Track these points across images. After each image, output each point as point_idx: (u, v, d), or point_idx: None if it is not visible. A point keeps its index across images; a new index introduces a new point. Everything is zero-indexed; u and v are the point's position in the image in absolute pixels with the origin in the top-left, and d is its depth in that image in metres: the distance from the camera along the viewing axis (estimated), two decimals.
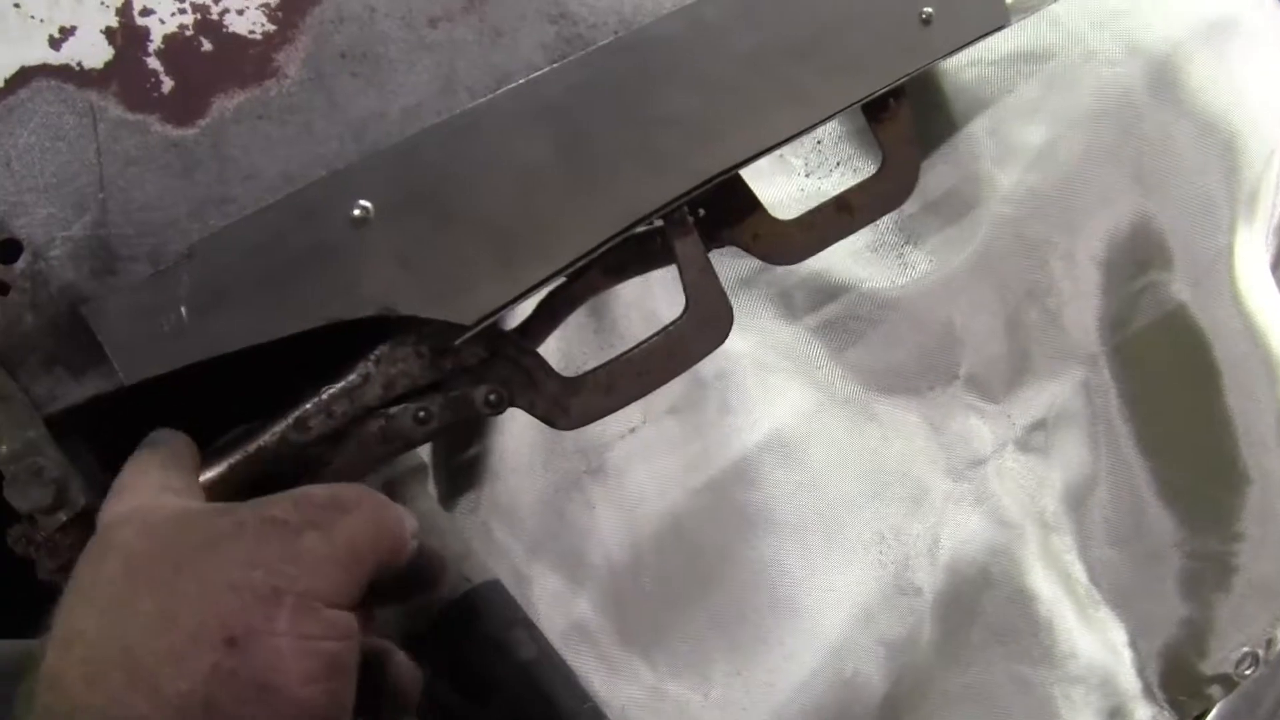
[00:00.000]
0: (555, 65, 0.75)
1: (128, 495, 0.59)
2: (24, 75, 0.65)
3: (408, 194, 0.69)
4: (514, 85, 0.74)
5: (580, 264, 0.76)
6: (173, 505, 0.57)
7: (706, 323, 0.83)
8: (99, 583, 0.52)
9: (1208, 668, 1.22)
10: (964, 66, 1.14)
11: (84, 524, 0.65)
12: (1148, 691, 1.22)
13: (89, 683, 0.49)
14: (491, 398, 0.78)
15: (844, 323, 1.10)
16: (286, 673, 0.49)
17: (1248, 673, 1.24)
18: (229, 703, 0.48)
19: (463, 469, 1.02)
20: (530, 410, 0.80)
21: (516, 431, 1.01)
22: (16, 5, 0.65)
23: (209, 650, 0.48)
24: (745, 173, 0.89)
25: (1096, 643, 1.18)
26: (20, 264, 0.64)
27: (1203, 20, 1.14)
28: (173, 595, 0.50)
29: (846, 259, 1.11)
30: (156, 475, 0.61)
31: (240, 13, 0.70)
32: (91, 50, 0.66)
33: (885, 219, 1.13)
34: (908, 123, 0.96)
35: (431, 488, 1.00)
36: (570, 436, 1.01)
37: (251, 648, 0.49)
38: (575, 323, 1.03)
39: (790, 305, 1.10)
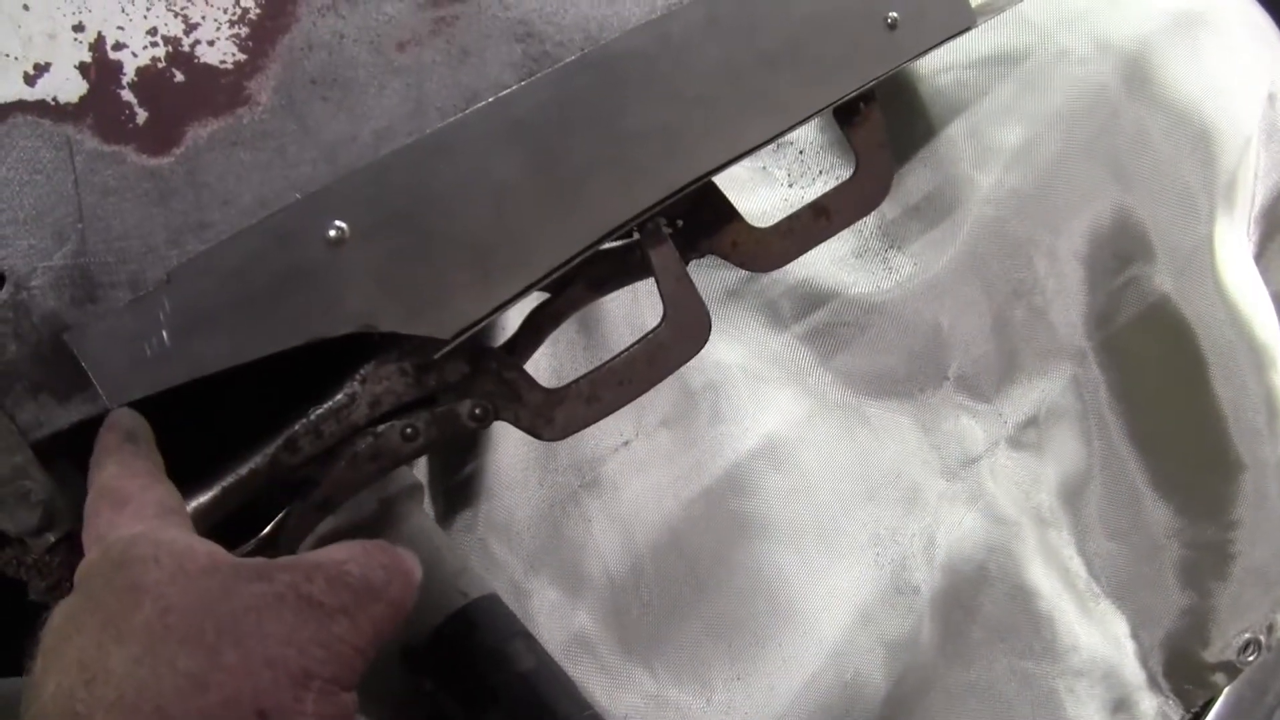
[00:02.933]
0: (523, 83, 0.76)
1: (130, 512, 0.60)
2: (1, 112, 0.66)
3: (382, 213, 0.71)
4: (483, 104, 0.75)
5: (556, 276, 0.77)
6: (202, 553, 0.57)
7: (685, 330, 0.84)
8: (134, 627, 0.52)
9: (1210, 656, 1.23)
10: (939, 71, 1.16)
11: (72, 545, 0.67)
12: (1152, 682, 1.22)
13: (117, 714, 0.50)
14: (476, 411, 0.79)
15: (832, 329, 1.11)
16: None
17: (1250, 659, 1.25)
18: None
19: (459, 488, 1.03)
20: (515, 423, 0.81)
21: (510, 449, 1.02)
22: None
23: None
24: (728, 185, 0.90)
25: (1098, 636, 1.19)
26: (2, 294, 0.65)
27: (1171, 14, 1.16)
28: (211, 661, 0.51)
29: (831, 266, 1.12)
30: (150, 486, 0.62)
31: (211, 43, 0.71)
32: (66, 85, 0.67)
33: (868, 224, 1.14)
34: (879, 126, 0.97)
35: (428, 506, 1.01)
36: (564, 452, 1.02)
37: None
38: (566, 339, 1.04)
39: (778, 314, 1.11)
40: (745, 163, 1.03)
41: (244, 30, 0.72)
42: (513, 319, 0.94)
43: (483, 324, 0.75)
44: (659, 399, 1.04)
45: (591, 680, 0.99)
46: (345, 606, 0.55)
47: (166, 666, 0.51)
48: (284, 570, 0.56)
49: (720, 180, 0.89)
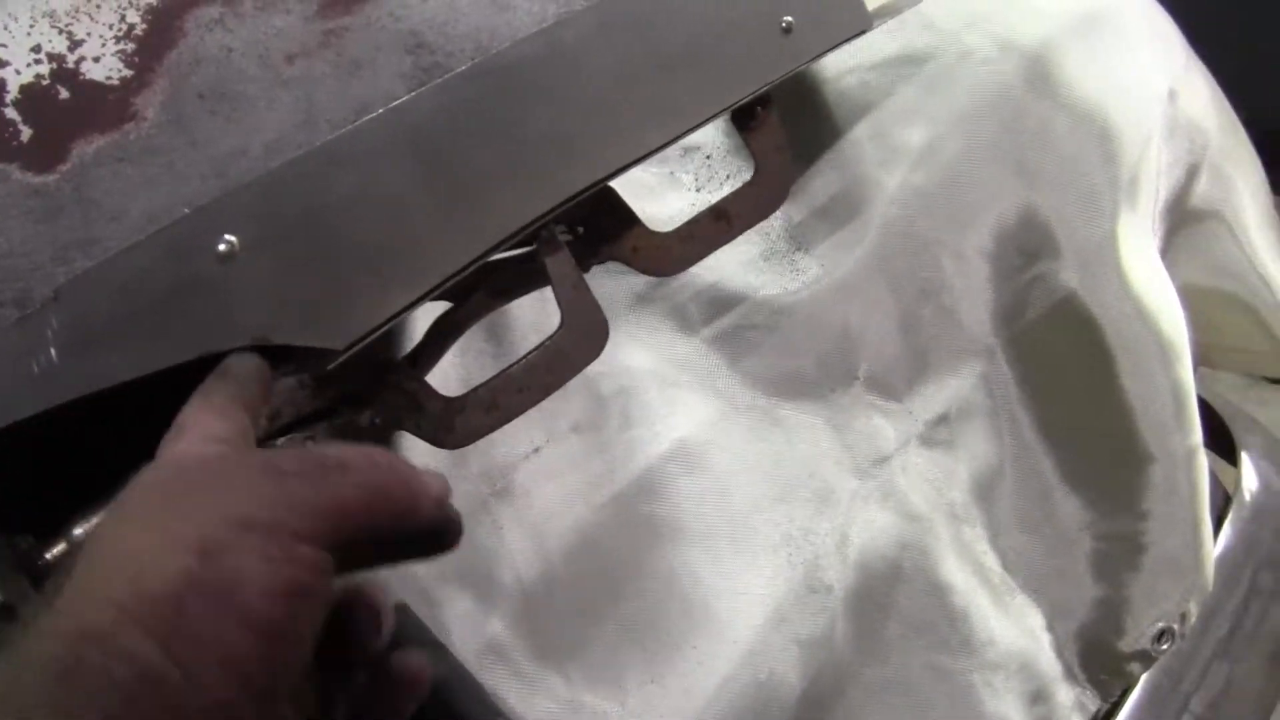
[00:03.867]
0: (414, 93, 0.77)
1: (183, 436, 0.62)
2: None
3: (273, 226, 0.70)
4: (374, 115, 0.75)
5: (454, 284, 0.78)
6: (204, 451, 0.60)
7: (583, 335, 0.85)
8: (121, 504, 0.57)
9: (1125, 646, 1.25)
10: (844, 74, 1.17)
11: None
12: (1068, 673, 1.24)
13: (86, 575, 0.54)
14: (376, 421, 0.79)
15: (741, 332, 1.12)
16: (248, 584, 0.53)
17: (1165, 648, 1.27)
18: (195, 604, 0.52)
19: None
20: (416, 432, 0.81)
21: (417, 462, 1.02)
22: None
23: (183, 557, 0.52)
24: (636, 191, 0.91)
25: (1014, 629, 1.20)
26: None
27: (1073, 14, 1.17)
28: (169, 513, 0.55)
29: (739, 269, 1.13)
30: (211, 421, 0.63)
31: (96, 60, 0.71)
32: None
33: (775, 227, 1.15)
34: (777, 130, 0.98)
35: None
36: (474, 461, 1.02)
37: (219, 559, 0.53)
38: (475, 348, 1.05)
39: (686, 318, 1.11)
40: (653, 168, 1.04)
41: (130, 46, 0.72)
42: (418, 329, 0.95)
43: (379, 333, 0.75)
44: (569, 405, 1.04)
45: (505, 688, 0.99)
46: (307, 472, 0.58)
47: (134, 521, 0.56)
48: (262, 450, 0.62)
49: (627, 186, 0.89)
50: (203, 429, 0.62)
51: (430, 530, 0.64)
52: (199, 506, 0.55)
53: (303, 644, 0.56)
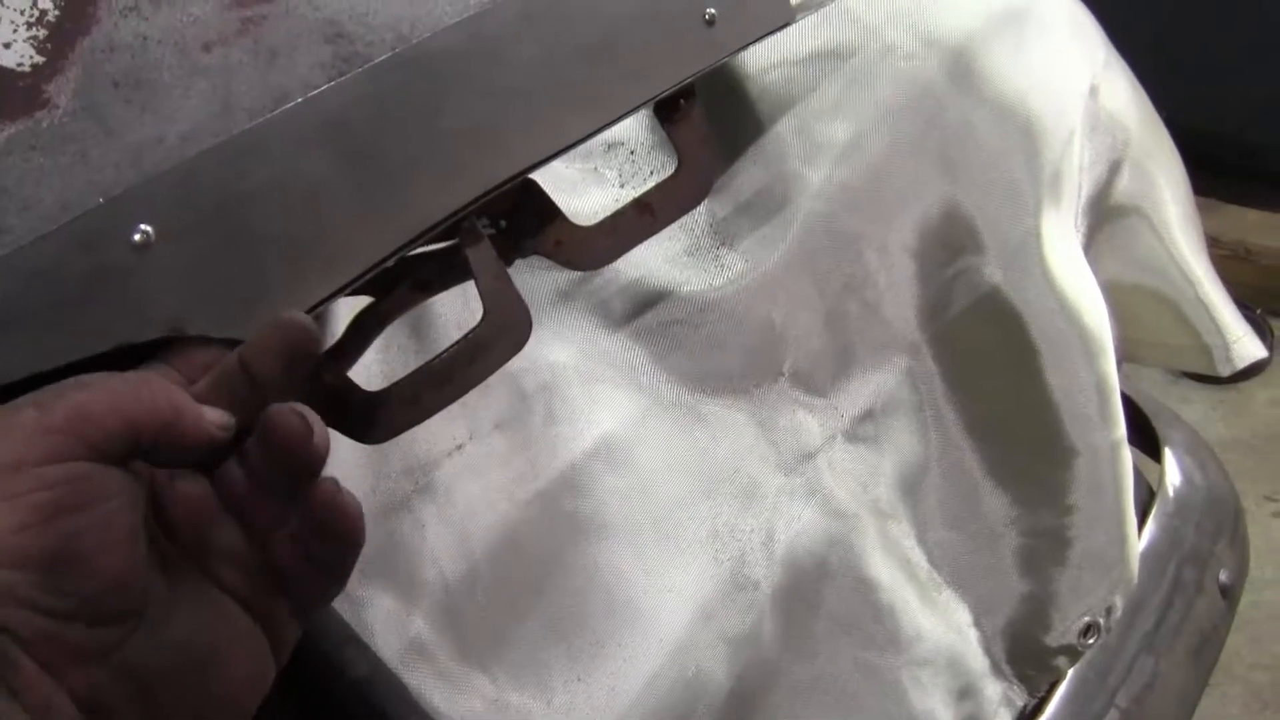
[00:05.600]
0: (333, 83, 0.76)
1: None
2: None
3: (189, 215, 0.70)
4: (292, 104, 0.74)
5: (374, 275, 0.77)
6: None
7: (504, 329, 0.84)
8: None
9: (1052, 640, 1.25)
10: (767, 69, 1.17)
11: None
12: (995, 668, 1.24)
13: None
14: None
15: (665, 328, 1.11)
16: None
17: (1091, 642, 1.27)
18: None
19: None
20: (337, 426, 0.80)
21: (343, 456, 1.01)
22: None
23: None
24: (559, 186, 0.90)
25: (941, 625, 1.20)
26: None
27: (995, 9, 1.18)
28: None
29: (663, 264, 1.12)
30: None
31: (7, 46, 0.70)
32: None
33: (699, 222, 1.15)
34: (700, 123, 0.98)
35: None
36: (396, 457, 1.01)
37: None
38: (398, 344, 1.04)
39: (610, 314, 1.11)
40: (576, 164, 1.04)
41: (42, 32, 0.71)
42: (340, 323, 0.93)
43: None
44: (493, 401, 1.03)
45: (429, 686, 0.98)
46: (36, 401, 0.59)
47: None
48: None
49: (550, 181, 0.89)
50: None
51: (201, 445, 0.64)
52: None
53: (92, 553, 0.57)
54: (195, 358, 0.69)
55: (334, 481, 0.69)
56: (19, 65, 0.70)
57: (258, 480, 0.67)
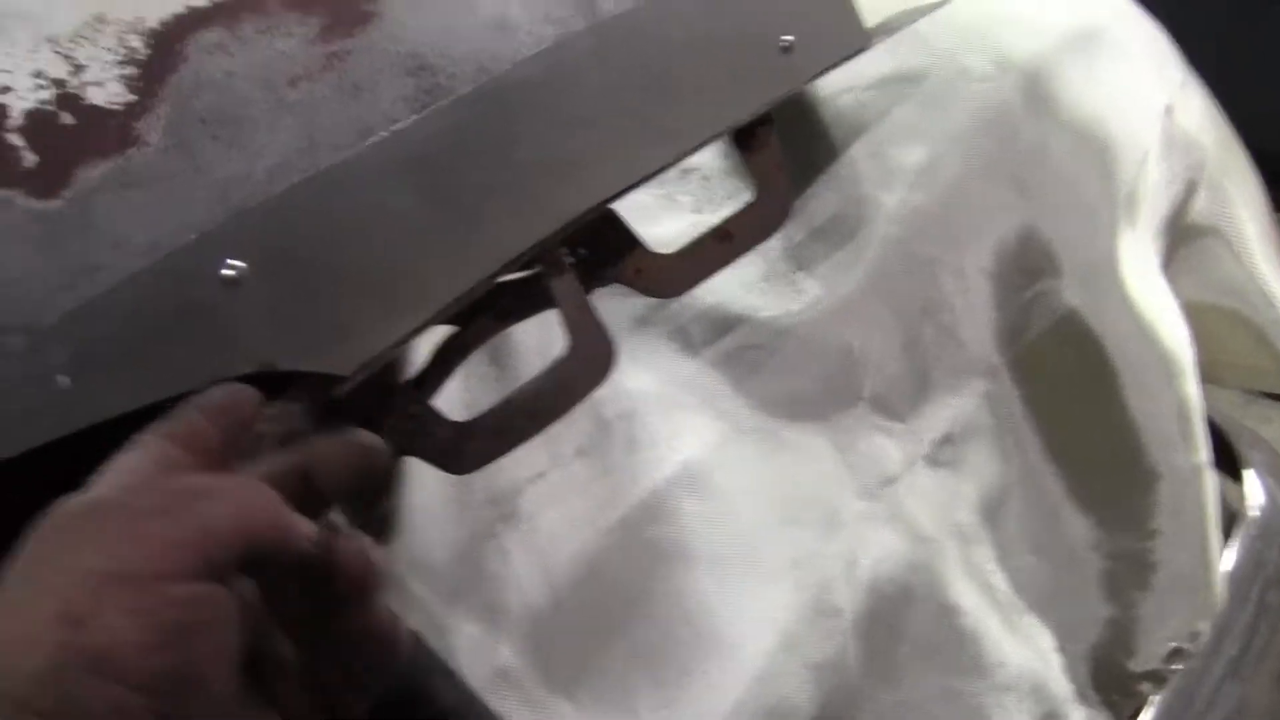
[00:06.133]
0: (417, 116, 0.76)
1: (102, 475, 0.61)
2: None
3: (278, 251, 0.70)
4: (377, 138, 0.75)
5: (458, 308, 0.77)
6: (78, 502, 0.59)
7: (590, 359, 0.84)
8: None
9: (1136, 665, 1.24)
10: (840, 93, 1.17)
11: None
12: (1080, 694, 1.23)
13: None
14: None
15: (743, 353, 1.11)
16: (121, 645, 0.52)
17: (1176, 667, 1.26)
18: (75, 674, 0.51)
19: (376, 527, 1.03)
20: (424, 457, 0.81)
21: (427, 486, 1.01)
22: None
23: (54, 631, 0.52)
24: (634, 213, 0.90)
25: (1024, 650, 1.19)
26: None
27: (1069, 32, 1.18)
28: (31, 586, 0.54)
29: (740, 290, 1.12)
30: (133, 461, 0.62)
31: (99, 85, 0.71)
32: None
33: (775, 248, 1.15)
34: (777, 149, 0.98)
35: None
36: (480, 486, 1.02)
37: (90, 626, 0.52)
38: (478, 372, 1.04)
39: (688, 340, 1.11)
40: (651, 190, 1.04)
41: (132, 71, 0.72)
42: (422, 353, 0.94)
43: (385, 359, 0.74)
44: (574, 429, 1.04)
45: (516, 715, 0.98)
46: (162, 507, 0.57)
47: (8, 602, 0.54)
48: (117, 492, 0.59)
49: (625, 208, 0.89)
50: (111, 467, 0.61)
51: (311, 565, 0.63)
52: (64, 571, 0.54)
53: (208, 678, 0.56)
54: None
55: (393, 614, 0.69)
56: (110, 103, 0.71)
57: (311, 597, 0.66)
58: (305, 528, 0.63)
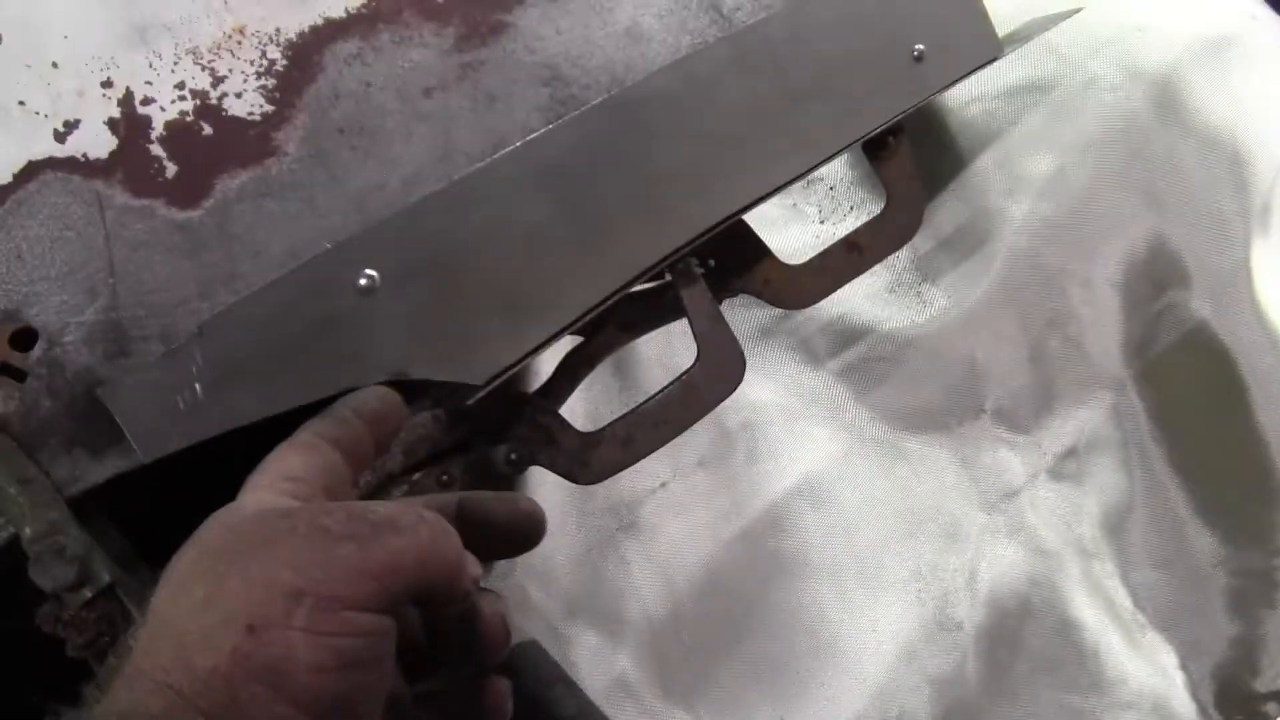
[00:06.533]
0: (550, 126, 0.76)
1: (261, 476, 0.62)
2: (32, 169, 0.67)
3: (412, 260, 0.70)
4: (510, 149, 0.74)
5: (587, 319, 0.77)
6: (259, 504, 0.60)
7: (719, 370, 0.84)
8: (174, 569, 0.56)
9: (1262, 685, 1.21)
10: (968, 103, 1.16)
11: (109, 599, 0.67)
12: (1203, 713, 1.20)
13: (145, 652, 0.54)
14: (512, 457, 0.79)
15: (867, 365, 1.11)
16: (296, 661, 0.53)
17: None
18: (245, 681, 0.52)
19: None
20: (551, 467, 0.81)
21: (547, 494, 1.01)
22: (21, 103, 0.67)
23: (233, 634, 0.52)
24: (759, 223, 0.90)
25: (1146, 667, 1.18)
26: (36, 351, 0.65)
27: (1200, 39, 1.15)
28: (218, 585, 0.54)
29: (865, 301, 1.12)
30: (293, 460, 0.63)
31: (239, 95, 0.72)
32: (96, 141, 0.68)
33: (901, 259, 1.14)
34: (908, 159, 0.97)
35: None
36: (601, 495, 1.02)
37: (267, 636, 0.53)
38: (601, 382, 1.04)
39: (812, 351, 1.11)
40: (776, 200, 1.03)
41: (271, 82, 0.73)
42: (547, 363, 0.94)
43: (515, 369, 0.74)
44: (695, 440, 1.04)
45: None
46: (356, 534, 0.57)
47: (185, 595, 0.55)
48: (311, 508, 0.59)
49: (751, 218, 0.89)
50: (280, 469, 0.62)
51: (463, 602, 0.63)
52: (247, 577, 0.55)
53: (363, 711, 0.56)
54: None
55: (506, 685, 0.69)
56: (250, 114, 0.72)
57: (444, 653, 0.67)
58: (475, 570, 0.63)
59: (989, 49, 0.98)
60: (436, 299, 0.71)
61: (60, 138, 0.67)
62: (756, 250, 0.91)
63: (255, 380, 0.67)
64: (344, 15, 0.75)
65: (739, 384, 0.85)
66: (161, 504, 0.69)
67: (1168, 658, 1.19)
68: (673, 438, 0.83)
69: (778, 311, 1.08)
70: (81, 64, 0.68)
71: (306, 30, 0.74)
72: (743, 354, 0.85)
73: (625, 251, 0.78)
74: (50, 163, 0.67)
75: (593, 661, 0.98)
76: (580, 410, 1.02)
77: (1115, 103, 1.12)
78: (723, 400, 0.84)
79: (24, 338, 0.66)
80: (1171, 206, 1.12)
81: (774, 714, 1.02)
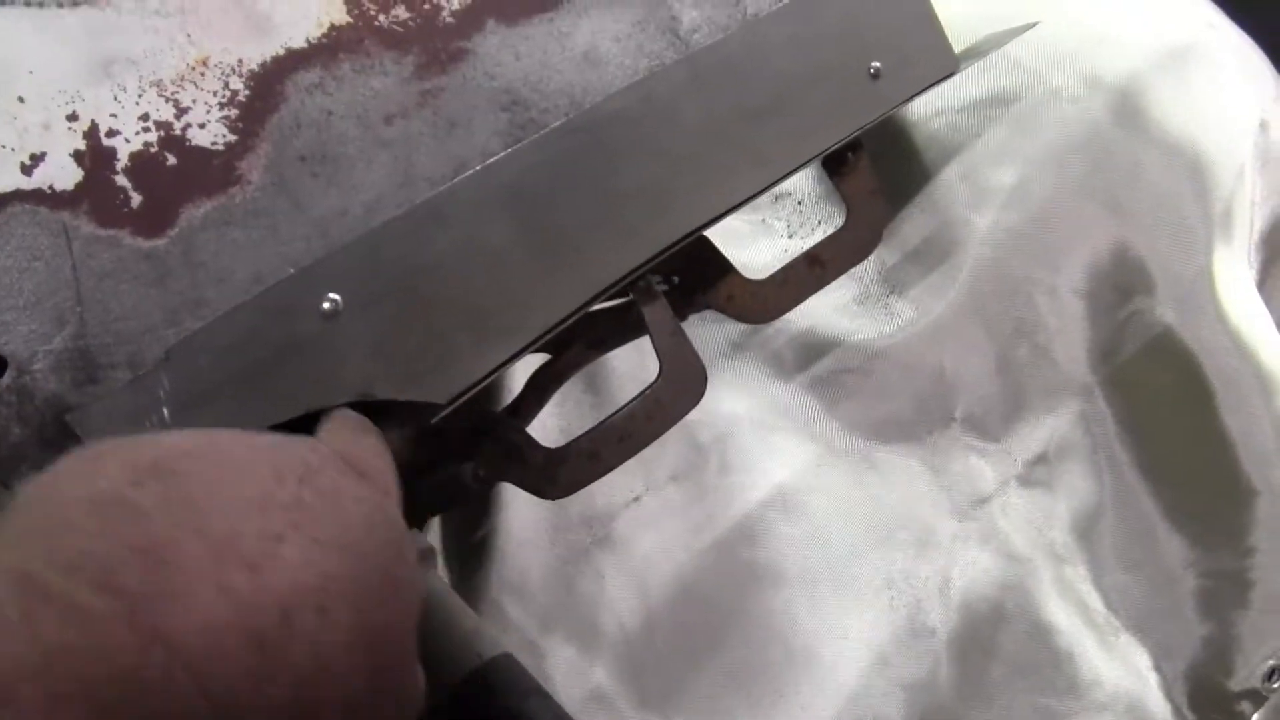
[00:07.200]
0: (510, 150, 0.78)
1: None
2: None
3: (375, 283, 0.72)
4: (471, 172, 0.76)
5: (553, 336, 0.79)
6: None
7: (681, 384, 0.85)
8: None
9: (1235, 685, 1.23)
10: (931, 116, 1.17)
11: None
12: (1178, 714, 1.22)
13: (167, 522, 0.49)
14: (480, 473, 0.80)
15: (836, 377, 1.12)
16: (342, 491, 0.56)
17: (1276, 686, 1.24)
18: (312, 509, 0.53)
19: (472, 550, 1.04)
20: (519, 483, 0.82)
21: (521, 510, 1.03)
22: None
23: (292, 486, 0.53)
24: (728, 239, 0.91)
25: (1120, 669, 1.19)
26: (5, 379, 0.66)
27: (1159, 48, 1.17)
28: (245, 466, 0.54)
29: (833, 314, 1.13)
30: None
31: (202, 126, 0.73)
32: (62, 173, 0.69)
33: (868, 271, 1.15)
34: (868, 174, 0.99)
35: (443, 570, 1.02)
36: (575, 510, 1.03)
37: (315, 479, 0.55)
38: (574, 398, 1.06)
39: (781, 364, 1.12)
40: (744, 216, 1.05)
41: (234, 112, 0.74)
42: (517, 381, 0.96)
43: (480, 387, 0.76)
44: (668, 453, 1.05)
45: None
46: (401, 581, 0.58)
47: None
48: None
49: (719, 234, 0.90)
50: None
51: None
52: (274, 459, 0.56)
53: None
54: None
55: None
56: (213, 144, 0.73)
57: None
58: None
59: (945, 64, 1.00)
60: (399, 321, 0.73)
61: (27, 170, 0.68)
62: (720, 267, 0.93)
63: (222, 403, 0.68)
64: (305, 45, 0.77)
65: (700, 398, 0.86)
66: None
67: (1141, 659, 1.21)
68: (637, 451, 0.84)
69: (747, 326, 1.09)
70: (48, 98, 0.69)
71: (269, 60, 0.76)
72: (704, 368, 0.86)
73: (586, 270, 0.80)
74: (17, 195, 0.68)
75: (568, 674, 1.00)
76: (554, 426, 1.03)
77: (1077, 113, 1.13)
78: (686, 414, 0.86)
79: None
80: (1134, 215, 1.14)
81: None
